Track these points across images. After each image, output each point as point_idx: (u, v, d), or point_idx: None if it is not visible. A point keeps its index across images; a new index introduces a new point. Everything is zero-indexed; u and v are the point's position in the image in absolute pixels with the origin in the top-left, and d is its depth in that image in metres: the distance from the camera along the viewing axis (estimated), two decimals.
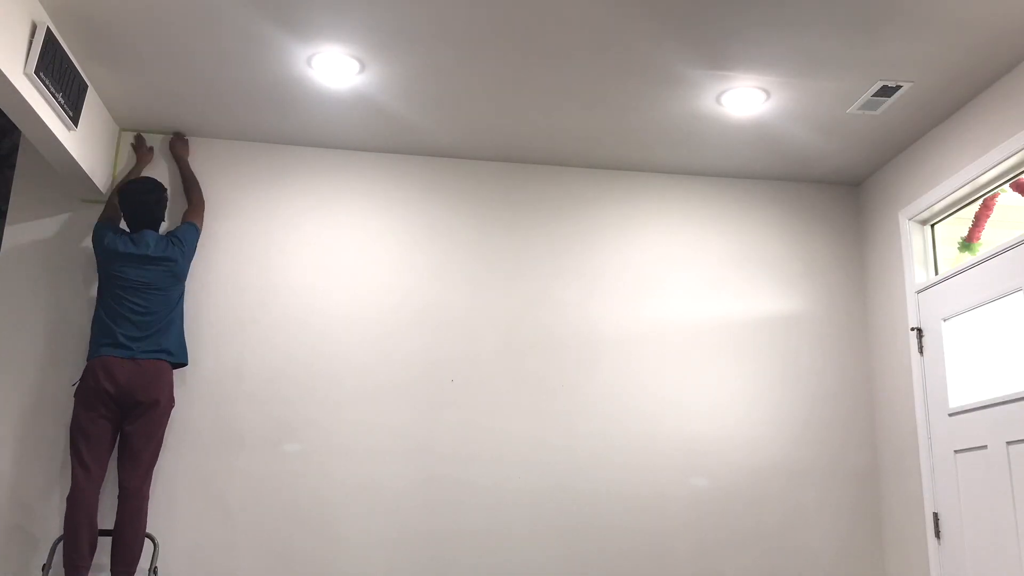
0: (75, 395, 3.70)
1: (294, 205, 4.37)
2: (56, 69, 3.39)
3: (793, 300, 4.62)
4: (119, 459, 3.73)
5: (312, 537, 4.00)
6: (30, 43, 3.23)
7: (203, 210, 4.16)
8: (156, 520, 3.92)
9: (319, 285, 4.29)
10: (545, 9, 3.27)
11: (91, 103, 3.92)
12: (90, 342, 3.77)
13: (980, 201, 4.00)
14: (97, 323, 3.77)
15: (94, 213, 4.21)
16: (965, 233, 4.12)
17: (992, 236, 3.98)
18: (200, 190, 4.21)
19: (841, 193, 4.81)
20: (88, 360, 3.72)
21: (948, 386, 3.97)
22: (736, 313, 4.56)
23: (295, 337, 4.20)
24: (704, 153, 4.46)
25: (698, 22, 3.34)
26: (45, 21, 3.29)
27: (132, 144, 4.26)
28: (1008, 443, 3.56)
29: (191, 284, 4.18)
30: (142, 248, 3.85)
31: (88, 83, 3.81)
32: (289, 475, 4.05)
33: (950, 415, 3.93)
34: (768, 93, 3.85)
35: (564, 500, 4.21)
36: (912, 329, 4.21)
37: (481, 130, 4.25)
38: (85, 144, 3.88)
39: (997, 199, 3.96)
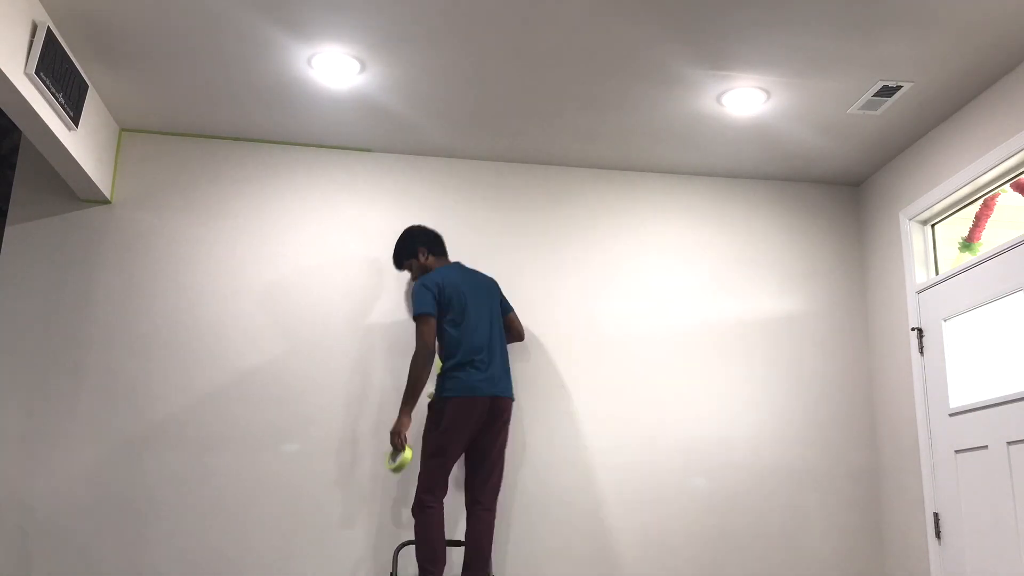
0: (438, 421, 3.67)
1: (295, 205, 4.37)
2: (56, 69, 3.40)
3: (793, 300, 4.62)
4: (471, 474, 3.78)
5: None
6: (30, 43, 3.23)
7: None
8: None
9: (319, 285, 4.29)
10: (545, 9, 3.27)
11: (91, 103, 3.92)
12: (452, 378, 3.70)
13: (980, 201, 4.00)
14: (464, 360, 3.73)
15: (94, 213, 4.21)
16: (965, 233, 4.12)
17: (992, 236, 3.98)
18: None
19: (841, 193, 4.81)
20: (454, 397, 3.68)
21: (948, 386, 3.96)
22: (736, 313, 4.56)
23: (295, 336, 4.20)
24: (704, 153, 4.46)
25: (698, 22, 3.34)
26: (46, 21, 3.29)
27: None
28: (1008, 443, 3.56)
29: (190, 284, 4.18)
30: (472, 275, 3.94)
31: (88, 83, 3.81)
32: (287, 474, 4.05)
33: (950, 415, 3.93)
34: (768, 93, 3.85)
35: (563, 499, 4.21)
36: (912, 329, 4.21)
37: (481, 130, 4.25)
38: (85, 144, 3.88)
39: (997, 199, 3.96)
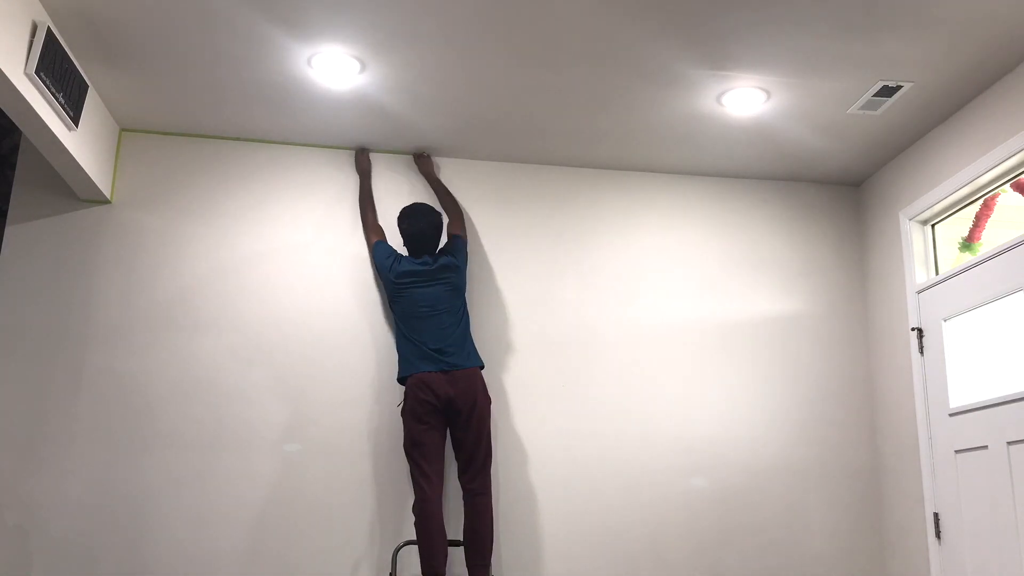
0: (402, 414, 3.87)
1: (295, 205, 4.37)
2: (56, 69, 3.40)
3: (793, 300, 4.62)
4: (457, 466, 3.88)
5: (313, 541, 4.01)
6: (31, 43, 3.23)
7: (462, 219, 4.31)
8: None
9: (319, 284, 4.29)
10: (545, 9, 3.27)
11: (91, 103, 3.92)
12: (400, 361, 3.92)
13: (980, 201, 4.00)
14: (403, 343, 3.92)
15: (94, 213, 4.21)
16: (965, 233, 4.12)
17: (992, 236, 3.98)
18: (455, 201, 4.35)
19: (841, 193, 4.81)
20: (405, 378, 3.88)
21: (948, 386, 3.97)
22: (736, 313, 4.56)
23: (295, 336, 4.20)
24: (704, 153, 4.46)
25: (698, 22, 3.34)
26: (46, 21, 3.30)
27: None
28: (1008, 443, 3.56)
29: (190, 284, 4.19)
30: (426, 265, 4.00)
31: (88, 83, 3.81)
32: (287, 474, 4.05)
33: (950, 415, 3.93)
34: (768, 93, 3.85)
35: (562, 500, 4.21)
36: (912, 329, 4.21)
37: (481, 130, 4.25)
38: (85, 144, 3.88)
39: (997, 199, 3.97)
